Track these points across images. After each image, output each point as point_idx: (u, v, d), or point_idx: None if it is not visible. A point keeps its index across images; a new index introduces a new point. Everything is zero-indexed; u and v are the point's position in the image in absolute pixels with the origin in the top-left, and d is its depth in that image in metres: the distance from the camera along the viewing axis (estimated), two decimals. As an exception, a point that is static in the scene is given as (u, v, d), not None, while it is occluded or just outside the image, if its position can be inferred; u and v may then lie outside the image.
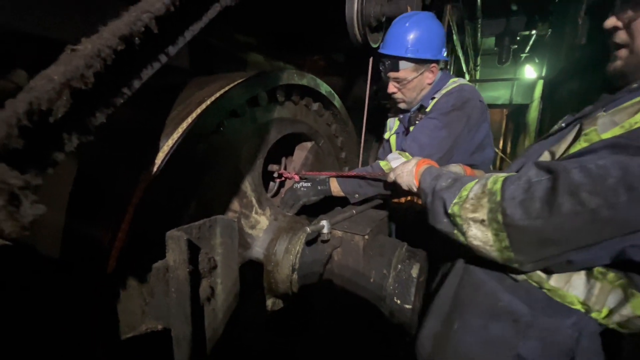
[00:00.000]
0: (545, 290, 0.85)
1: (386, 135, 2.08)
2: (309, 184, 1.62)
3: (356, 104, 2.35)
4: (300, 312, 1.51)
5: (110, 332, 0.66)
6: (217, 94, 1.05)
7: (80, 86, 0.40)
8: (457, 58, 4.73)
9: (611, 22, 0.82)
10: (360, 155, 2.28)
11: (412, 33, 1.55)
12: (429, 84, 1.70)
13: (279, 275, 1.49)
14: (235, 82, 1.12)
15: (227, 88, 1.08)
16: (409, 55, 1.57)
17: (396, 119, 1.99)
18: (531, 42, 6.08)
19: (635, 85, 0.77)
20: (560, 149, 0.86)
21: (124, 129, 1.05)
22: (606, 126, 0.72)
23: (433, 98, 1.67)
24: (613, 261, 0.73)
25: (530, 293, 0.87)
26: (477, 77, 8.20)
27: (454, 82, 1.70)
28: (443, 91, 1.65)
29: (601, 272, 0.78)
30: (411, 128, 1.76)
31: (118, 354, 0.68)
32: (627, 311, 0.75)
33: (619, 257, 0.71)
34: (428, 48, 1.58)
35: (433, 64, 1.65)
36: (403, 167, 1.23)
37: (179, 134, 0.93)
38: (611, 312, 0.77)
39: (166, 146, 0.92)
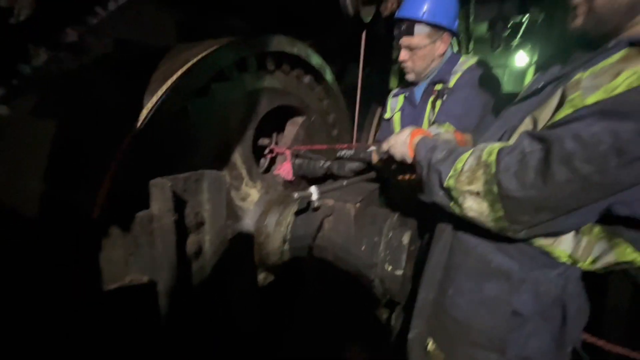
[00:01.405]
0: (535, 247, 0.87)
1: (386, 115, 2.06)
2: (352, 152, 1.62)
3: (349, 91, 2.32)
4: (291, 284, 1.51)
5: (93, 282, 0.64)
6: (204, 54, 1.02)
7: (46, -11, 0.37)
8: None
9: None
10: (355, 134, 2.26)
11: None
12: (440, 56, 1.72)
13: (270, 247, 1.47)
14: (222, 43, 1.08)
15: (213, 48, 1.05)
16: (424, 18, 1.59)
17: (400, 96, 1.98)
18: (523, 28, 6.07)
19: (611, 44, 0.77)
20: (544, 115, 0.87)
21: (110, 92, 1.02)
22: (590, 90, 0.73)
23: (453, 74, 1.69)
24: (599, 218, 0.75)
25: (521, 251, 0.90)
26: (470, 64, 8.18)
27: (467, 59, 1.72)
28: (464, 67, 1.68)
29: (588, 227, 0.81)
30: (437, 102, 1.74)
31: (101, 305, 0.66)
32: (610, 258, 0.79)
33: (605, 213, 0.73)
34: (444, 15, 1.61)
35: (445, 34, 1.67)
36: (397, 138, 1.21)
37: (163, 91, 0.90)
38: (595, 261, 0.81)
39: (150, 103, 0.88)
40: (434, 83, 1.77)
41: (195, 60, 0.99)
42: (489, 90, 1.60)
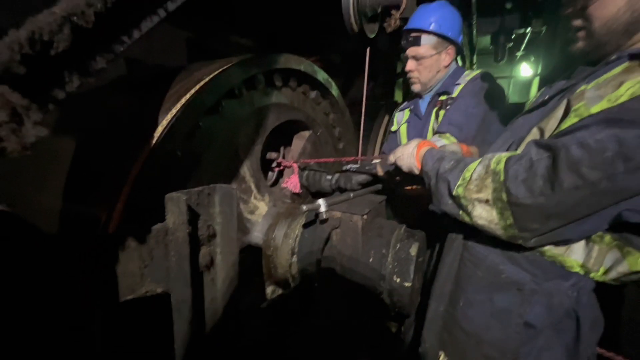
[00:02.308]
0: (546, 258, 0.87)
1: (393, 128, 2.12)
2: (357, 165, 1.69)
3: (354, 105, 2.37)
4: (300, 297, 1.51)
5: (109, 294, 0.66)
6: (215, 73, 1.07)
7: (81, 23, 0.41)
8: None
9: (566, 10, 0.88)
10: (360, 147, 2.29)
11: (437, 12, 1.71)
12: (445, 67, 1.79)
13: (278, 260, 1.49)
14: (232, 63, 1.13)
15: (224, 67, 1.10)
16: (431, 29, 1.68)
17: (405, 110, 2.06)
18: (526, 40, 6.13)
19: (613, 57, 0.80)
20: (550, 125, 0.89)
21: (125, 111, 1.07)
22: (594, 100, 0.75)
23: (457, 85, 1.76)
24: (610, 226, 0.75)
25: (532, 262, 0.90)
26: (474, 76, 8.26)
27: (471, 72, 1.78)
28: (467, 78, 1.75)
29: (599, 236, 0.81)
30: (440, 112, 1.80)
31: (117, 316, 0.68)
32: (623, 268, 0.78)
33: (615, 221, 0.73)
34: (450, 27, 1.71)
35: (450, 46, 1.76)
36: (403, 149, 1.23)
37: (177, 109, 0.94)
38: (607, 271, 0.80)
39: (165, 120, 0.93)
40: (438, 94, 1.82)
41: (207, 79, 1.04)
42: (491, 99, 1.63)
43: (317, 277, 1.34)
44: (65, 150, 0.98)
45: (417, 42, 1.73)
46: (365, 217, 1.27)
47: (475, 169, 0.86)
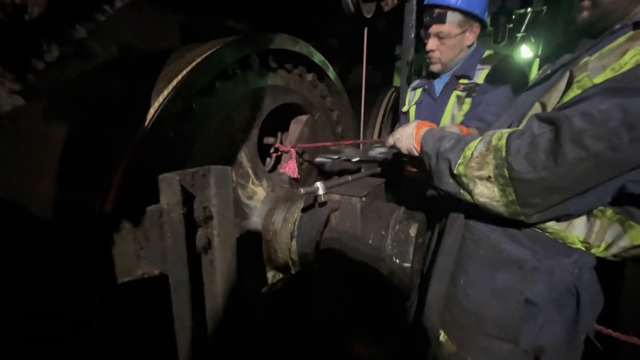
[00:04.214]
0: (547, 234, 0.86)
1: (404, 109, 2.03)
2: (384, 148, 1.57)
3: (353, 90, 2.32)
4: (300, 280, 1.52)
5: (106, 276, 0.66)
6: (207, 53, 1.03)
7: (56, -14, 0.38)
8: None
9: None
10: (362, 131, 2.27)
11: None
12: (468, 47, 1.67)
13: (277, 244, 1.49)
14: (225, 42, 1.10)
15: (217, 47, 1.06)
16: (459, 5, 1.55)
17: (418, 90, 1.93)
18: (527, 21, 6.00)
19: (617, 26, 0.78)
20: (552, 99, 0.86)
21: (117, 93, 1.04)
22: (597, 71, 0.73)
23: (480, 70, 1.64)
24: (612, 199, 0.74)
25: (533, 239, 0.89)
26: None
27: (492, 54, 1.67)
28: (493, 62, 1.63)
29: (600, 210, 0.80)
30: (466, 100, 1.67)
31: (114, 298, 0.67)
32: (624, 242, 0.77)
33: (618, 193, 0.72)
34: (477, 4, 1.57)
35: (476, 24, 1.63)
36: (402, 131, 1.21)
37: (169, 91, 0.92)
38: (609, 246, 0.80)
39: (157, 102, 0.90)
40: (457, 77, 1.71)
41: (199, 59, 1.00)
42: (517, 89, 1.54)
43: (317, 261, 1.34)
44: (59, 134, 0.96)
45: (441, 19, 1.57)
46: (364, 199, 1.26)
47: (476, 147, 0.84)
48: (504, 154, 0.77)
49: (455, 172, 0.87)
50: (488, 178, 0.80)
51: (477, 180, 0.82)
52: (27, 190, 0.74)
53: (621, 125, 0.63)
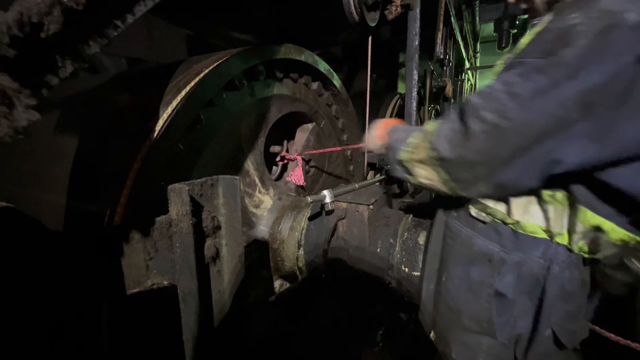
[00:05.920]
0: (510, 225, 0.89)
1: None
2: None
3: (357, 97, 2.33)
4: (307, 289, 1.51)
5: (115, 287, 0.66)
6: (215, 64, 1.05)
7: (72, 5, 0.40)
8: (457, 44, 4.70)
9: None
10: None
11: None
12: None
13: (285, 253, 1.48)
14: (232, 53, 1.12)
15: (224, 59, 1.08)
16: None
17: None
18: (530, 26, 5.99)
19: (534, 22, 0.88)
20: None
21: (126, 105, 1.06)
22: (508, 60, 0.82)
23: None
24: (546, 180, 0.76)
25: (499, 232, 0.91)
26: (477, 64, 8.13)
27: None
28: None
29: (550, 195, 0.82)
30: None
31: (123, 309, 0.67)
32: (580, 227, 0.78)
33: (546, 171, 0.74)
34: None
35: None
36: (369, 134, 1.23)
37: (177, 102, 0.93)
38: (570, 233, 0.81)
39: (165, 114, 0.91)
40: None
41: (206, 71, 1.02)
42: None
43: (324, 269, 1.33)
44: (69, 146, 0.98)
45: None
46: (371, 207, 1.25)
47: (416, 135, 0.92)
48: (432, 137, 0.84)
49: (399, 158, 0.94)
50: (422, 161, 0.88)
51: (415, 163, 0.90)
52: (37, 202, 0.75)
53: (503, 94, 0.71)
